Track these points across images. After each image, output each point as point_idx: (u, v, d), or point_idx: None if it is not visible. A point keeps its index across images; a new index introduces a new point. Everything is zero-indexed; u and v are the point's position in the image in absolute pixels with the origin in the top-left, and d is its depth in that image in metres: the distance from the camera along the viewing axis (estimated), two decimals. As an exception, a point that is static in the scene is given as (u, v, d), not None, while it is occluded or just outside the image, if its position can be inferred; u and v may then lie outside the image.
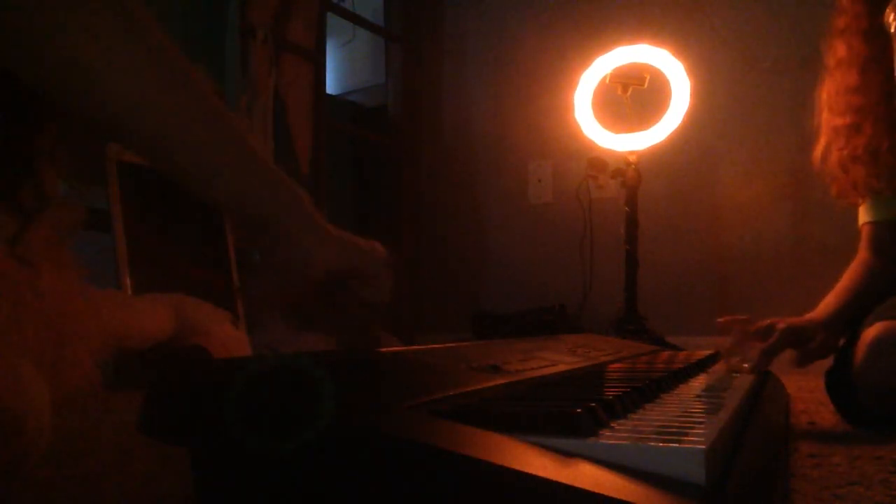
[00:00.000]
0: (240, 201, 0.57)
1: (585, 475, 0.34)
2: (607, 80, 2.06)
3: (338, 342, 0.65)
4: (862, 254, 1.18)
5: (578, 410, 0.40)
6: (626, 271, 2.02)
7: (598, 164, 2.16)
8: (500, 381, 0.58)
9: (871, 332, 0.96)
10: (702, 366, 0.94)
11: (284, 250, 0.59)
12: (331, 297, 0.62)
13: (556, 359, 0.79)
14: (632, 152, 2.04)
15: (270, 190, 0.58)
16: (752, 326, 1.06)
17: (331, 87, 2.82)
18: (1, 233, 0.65)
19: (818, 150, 1.18)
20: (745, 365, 1.03)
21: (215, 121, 0.56)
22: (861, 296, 1.10)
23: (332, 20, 2.62)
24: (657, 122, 2.03)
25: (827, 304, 1.11)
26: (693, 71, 2.04)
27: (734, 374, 0.93)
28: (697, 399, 0.58)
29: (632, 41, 2.08)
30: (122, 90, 0.50)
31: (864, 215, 1.19)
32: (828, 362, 1.09)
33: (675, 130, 2.03)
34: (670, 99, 2.02)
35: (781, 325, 1.04)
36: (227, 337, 1.38)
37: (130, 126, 0.52)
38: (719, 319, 1.11)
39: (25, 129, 0.66)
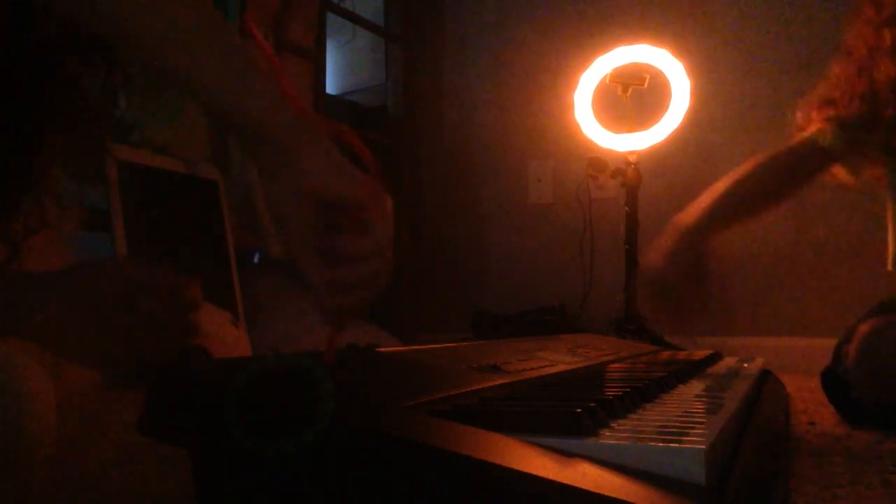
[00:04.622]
0: (239, 108, 0.56)
1: (585, 475, 0.34)
2: (607, 80, 2.06)
3: (329, 307, 0.55)
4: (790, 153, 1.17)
5: (578, 410, 0.40)
6: (626, 271, 2.01)
7: (598, 164, 2.16)
8: (500, 381, 0.58)
9: (863, 328, 0.97)
10: (702, 366, 0.94)
11: (293, 163, 0.55)
12: (326, 239, 0.55)
13: (556, 359, 0.79)
14: (632, 152, 2.03)
15: (277, 106, 0.57)
16: None
17: (331, 87, 2.81)
18: None
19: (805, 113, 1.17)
20: (746, 365, 1.03)
21: (221, 35, 0.57)
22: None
23: (332, 20, 2.62)
24: (657, 122, 2.03)
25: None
26: (693, 71, 2.04)
27: (734, 373, 0.93)
28: (697, 399, 0.58)
29: (632, 41, 2.08)
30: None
31: (816, 132, 1.15)
32: (825, 361, 1.10)
33: (675, 130, 2.02)
34: (670, 99, 2.02)
35: None
36: (227, 337, 1.38)
37: (141, 35, 0.55)
38: None
39: (24, 153, 0.66)
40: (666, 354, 1.16)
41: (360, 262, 0.55)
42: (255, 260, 2.46)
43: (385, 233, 0.56)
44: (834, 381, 1.05)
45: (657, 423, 0.43)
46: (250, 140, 0.57)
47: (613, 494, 0.31)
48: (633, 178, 2.02)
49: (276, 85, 0.58)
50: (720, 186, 1.10)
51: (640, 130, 2.03)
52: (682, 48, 2.09)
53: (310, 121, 0.58)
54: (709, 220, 1.04)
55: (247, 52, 0.58)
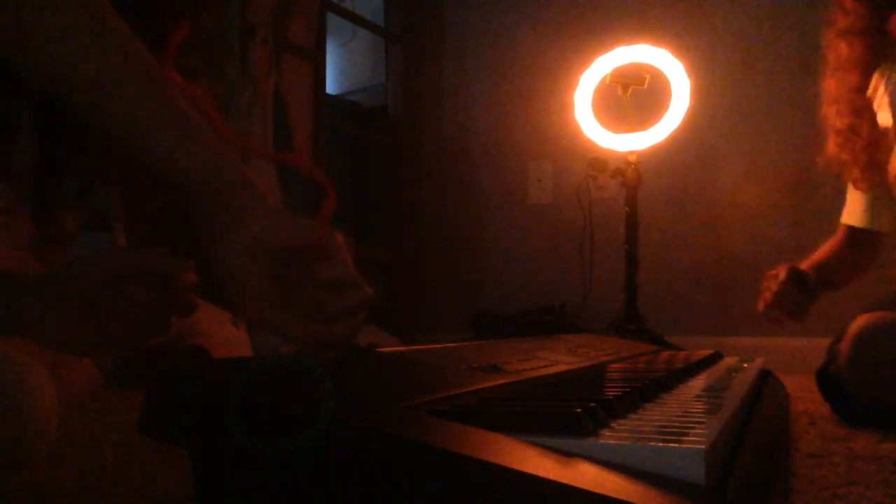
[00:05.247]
0: (188, 173, 0.56)
1: (585, 475, 0.34)
2: (607, 80, 2.06)
3: (308, 339, 0.56)
4: (838, 239, 1.31)
5: (578, 410, 0.40)
6: (626, 271, 2.01)
7: (598, 164, 2.16)
8: (500, 381, 0.58)
9: (854, 326, 0.98)
10: (702, 366, 0.94)
11: (238, 222, 0.56)
12: (294, 284, 0.56)
13: (556, 359, 0.79)
14: (632, 152, 2.04)
15: (217, 164, 0.57)
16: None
17: (331, 87, 2.82)
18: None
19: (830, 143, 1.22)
20: (745, 365, 1.03)
21: (162, 96, 0.57)
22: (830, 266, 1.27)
23: (332, 20, 2.62)
24: (657, 122, 2.03)
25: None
26: (693, 71, 2.04)
27: (734, 373, 0.93)
28: (697, 399, 0.58)
29: (632, 41, 2.08)
30: (89, 73, 0.54)
31: (845, 215, 1.28)
32: (819, 360, 1.10)
33: (675, 130, 2.02)
34: (670, 99, 2.02)
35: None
36: (227, 337, 1.37)
37: (90, 101, 0.55)
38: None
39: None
40: (666, 354, 1.16)
41: (333, 296, 0.55)
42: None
43: (346, 265, 0.56)
44: (828, 380, 1.05)
45: (657, 423, 0.43)
46: (192, 199, 0.57)
47: (613, 494, 0.31)
48: (633, 178, 2.02)
49: (215, 140, 0.58)
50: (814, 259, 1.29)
51: (640, 130, 2.03)
52: (682, 48, 2.09)
53: (252, 180, 0.58)
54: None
55: (185, 106, 0.58)
